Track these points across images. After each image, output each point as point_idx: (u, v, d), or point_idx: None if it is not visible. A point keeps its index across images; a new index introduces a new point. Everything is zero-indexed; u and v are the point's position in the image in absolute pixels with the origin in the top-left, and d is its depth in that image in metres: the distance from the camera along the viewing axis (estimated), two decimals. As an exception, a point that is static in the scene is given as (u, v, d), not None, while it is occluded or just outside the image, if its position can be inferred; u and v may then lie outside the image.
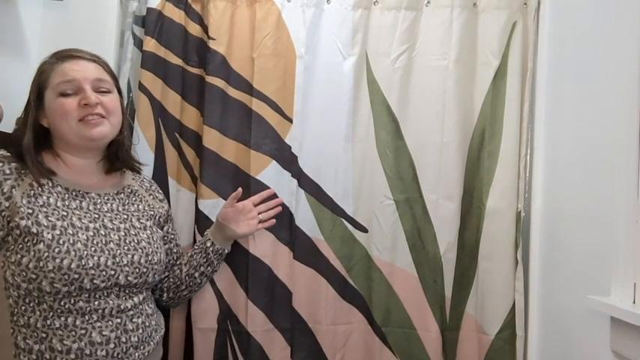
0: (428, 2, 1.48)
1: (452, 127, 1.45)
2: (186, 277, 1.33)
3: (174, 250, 1.35)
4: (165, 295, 1.34)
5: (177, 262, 1.35)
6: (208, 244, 1.34)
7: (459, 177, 1.46)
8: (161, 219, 1.28)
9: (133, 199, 1.22)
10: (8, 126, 1.25)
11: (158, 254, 1.18)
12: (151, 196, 1.28)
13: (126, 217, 1.16)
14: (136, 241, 1.13)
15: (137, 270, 1.11)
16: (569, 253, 1.24)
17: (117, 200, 1.17)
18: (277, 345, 1.45)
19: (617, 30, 1.08)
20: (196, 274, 1.34)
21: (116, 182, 1.21)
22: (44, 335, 1.00)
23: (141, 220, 1.19)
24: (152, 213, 1.24)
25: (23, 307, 1.01)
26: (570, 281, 1.23)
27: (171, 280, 1.33)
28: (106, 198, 1.16)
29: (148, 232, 1.18)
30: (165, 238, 1.31)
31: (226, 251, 1.38)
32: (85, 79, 1.09)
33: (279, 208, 1.44)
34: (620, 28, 1.07)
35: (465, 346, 1.46)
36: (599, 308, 1.05)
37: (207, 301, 1.44)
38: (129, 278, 1.09)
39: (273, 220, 1.43)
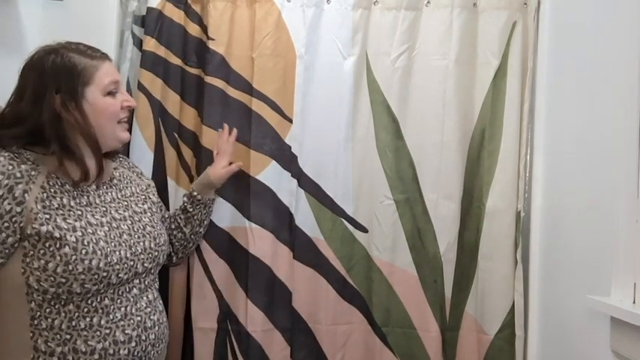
0: (428, 2, 1.48)
1: (452, 127, 1.45)
2: (192, 236, 1.38)
3: (166, 216, 1.36)
4: (175, 257, 1.39)
5: (174, 227, 1.36)
6: (206, 200, 1.37)
7: (458, 177, 1.46)
8: (152, 197, 1.27)
9: (125, 182, 1.22)
10: (8, 126, 1.25)
11: (163, 235, 1.20)
12: (135, 173, 1.28)
13: (126, 204, 1.16)
14: (141, 227, 1.14)
15: (150, 255, 1.13)
16: (569, 252, 1.24)
17: (113, 188, 1.17)
18: (277, 345, 1.45)
19: (616, 29, 1.08)
20: (201, 229, 1.40)
21: (107, 170, 1.18)
22: (68, 337, 0.99)
23: (139, 204, 1.19)
24: (144, 196, 1.24)
25: (48, 310, 0.99)
26: (570, 281, 1.23)
27: (177, 243, 1.36)
28: (105, 188, 1.14)
29: (149, 214, 1.19)
30: (161, 214, 1.31)
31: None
32: (121, 82, 1.15)
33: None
34: (620, 28, 1.06)
35: (464, 346, 1.46)
36: (599, 308, 1.05)
37: (207, 300, 1.45)
38: (145, 265, 1.11)
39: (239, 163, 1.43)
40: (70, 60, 1.06)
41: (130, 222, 1.12)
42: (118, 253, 1.05)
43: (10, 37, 1.40)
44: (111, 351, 1.02)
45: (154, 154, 1.47)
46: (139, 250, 1.10)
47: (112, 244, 1.05)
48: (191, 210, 1.36)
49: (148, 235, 1.14)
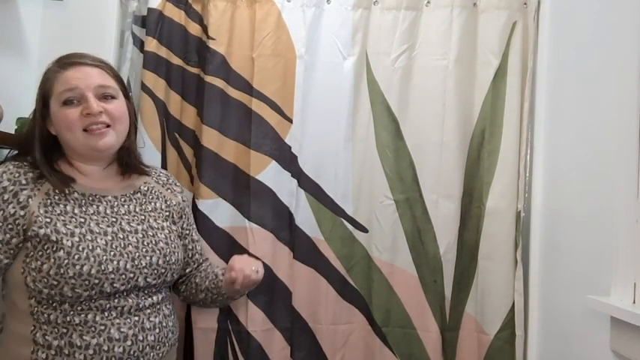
0: (428, 2, 1.48)
1: (452, 127, 1.45)
2: (197, 291, 1.32)
3: (190, 247, 1.32)
4: (181, 295, 1.36)
5: (198, 268, 1.34)
6: (220, 286, 1.28)
7: (458, 177, 1.46)
8: (175, 215, 1.25)
9: (150, 197, 1.21)
10: (8, 126, 1.25)
11: (176, 254, 1.17)
12: (169, 190, 1.27)
13: (143, 217, 1.16)
14: (153, 242, 1.13)
15: (156, 271, 1.11)
16: (569, 253, 1.24)
17: (134, 201, 1.17)
18: (277, 344, 1.45)
19: (617, 29, 1.08)
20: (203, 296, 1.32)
21: (132, 182, 1.21)
22: (65, 331, 1.02)
23: (158, 220, 1.18)
24: (167, 213, 1.23)
25: (45, 306, 1.02)
26: (570, 281, 1.23)
27: (188, 287, 1.32)
28: (122, 200, 1.15)
29: (166, 231, 1.18)
30: (180, 234, 1.28)
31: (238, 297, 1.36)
32: (88, 87, 1.07)
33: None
34: (620, 28, 1.06)
35: (464, 346, 1.46)
36: (599, 308, 1.05)
37: (207, 301, 1.44)
38: (148, 280, 1.10)
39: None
40: (45, 74, 1.11)
41: (141, 235, 1.12)
42: (115, 262, 1.04)
43: (10, 37, 1.40)
44: (105, 347, 1.02)
45: (160, 155, 1.47)
46: (144, 264, 1.09)
47: (112, 253, 1.05)
48: (210, 278, 1.30)
49: (158, 251, 1.13)
